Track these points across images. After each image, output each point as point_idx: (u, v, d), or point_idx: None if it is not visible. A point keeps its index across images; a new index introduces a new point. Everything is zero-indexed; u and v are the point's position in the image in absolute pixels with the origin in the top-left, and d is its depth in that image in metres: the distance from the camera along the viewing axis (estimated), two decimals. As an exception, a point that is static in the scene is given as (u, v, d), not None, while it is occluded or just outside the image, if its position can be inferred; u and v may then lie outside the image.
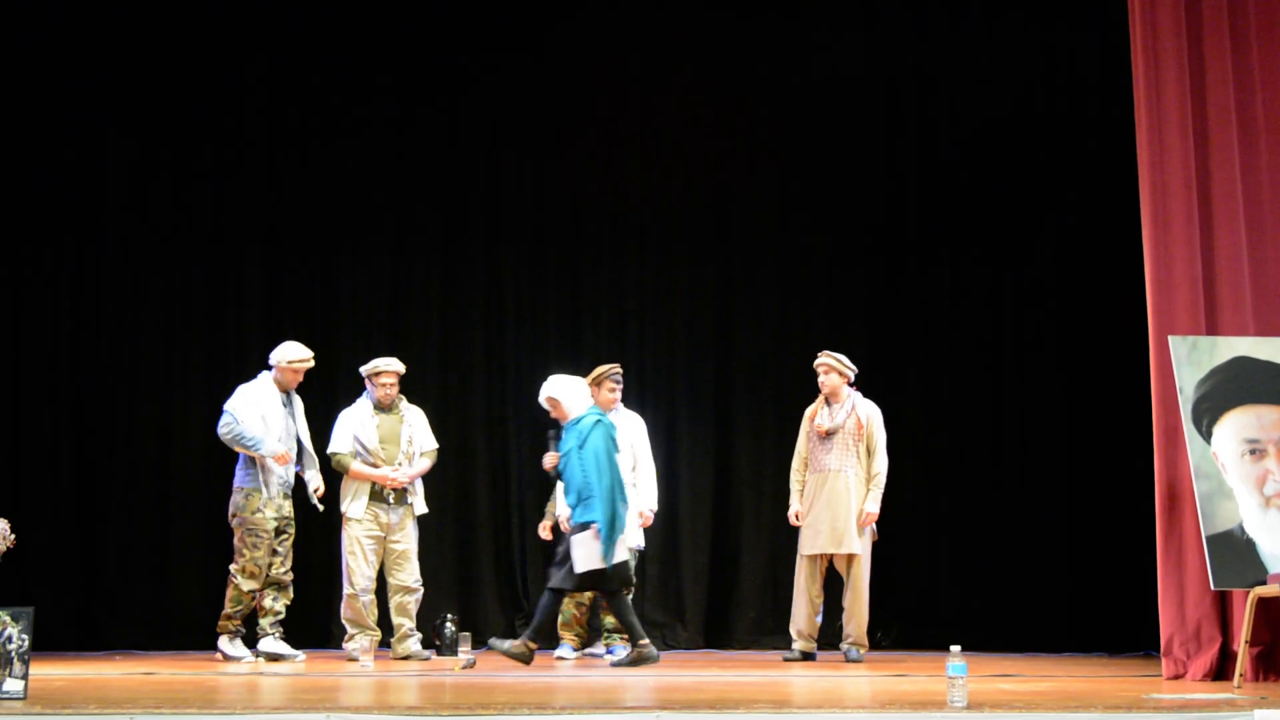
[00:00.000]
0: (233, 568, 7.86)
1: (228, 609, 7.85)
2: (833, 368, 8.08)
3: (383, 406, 8.14)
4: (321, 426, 9.13)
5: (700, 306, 9.82)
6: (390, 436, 8.09)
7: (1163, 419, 6.68)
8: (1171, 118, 6.85)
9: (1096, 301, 9.22)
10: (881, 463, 8.02)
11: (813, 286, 9.77)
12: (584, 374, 8.08)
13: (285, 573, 7.97)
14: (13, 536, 5.59)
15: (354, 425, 8.09)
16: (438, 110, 9.83)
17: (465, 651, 7.46)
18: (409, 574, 8.03)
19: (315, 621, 9.00)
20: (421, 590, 8.12)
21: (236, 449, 7.88)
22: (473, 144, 9.84)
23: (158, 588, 9.01)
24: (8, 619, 5.19)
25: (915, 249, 9.74)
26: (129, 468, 9.06)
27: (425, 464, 8.19)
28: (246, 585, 7.81)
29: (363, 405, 8.19)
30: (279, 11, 9.61)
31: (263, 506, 7.83)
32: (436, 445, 8.31)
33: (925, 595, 9.38)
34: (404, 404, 8.25)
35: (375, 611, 8.04)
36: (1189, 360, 6.45)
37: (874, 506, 7.95)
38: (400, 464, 8.04)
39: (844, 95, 9.78)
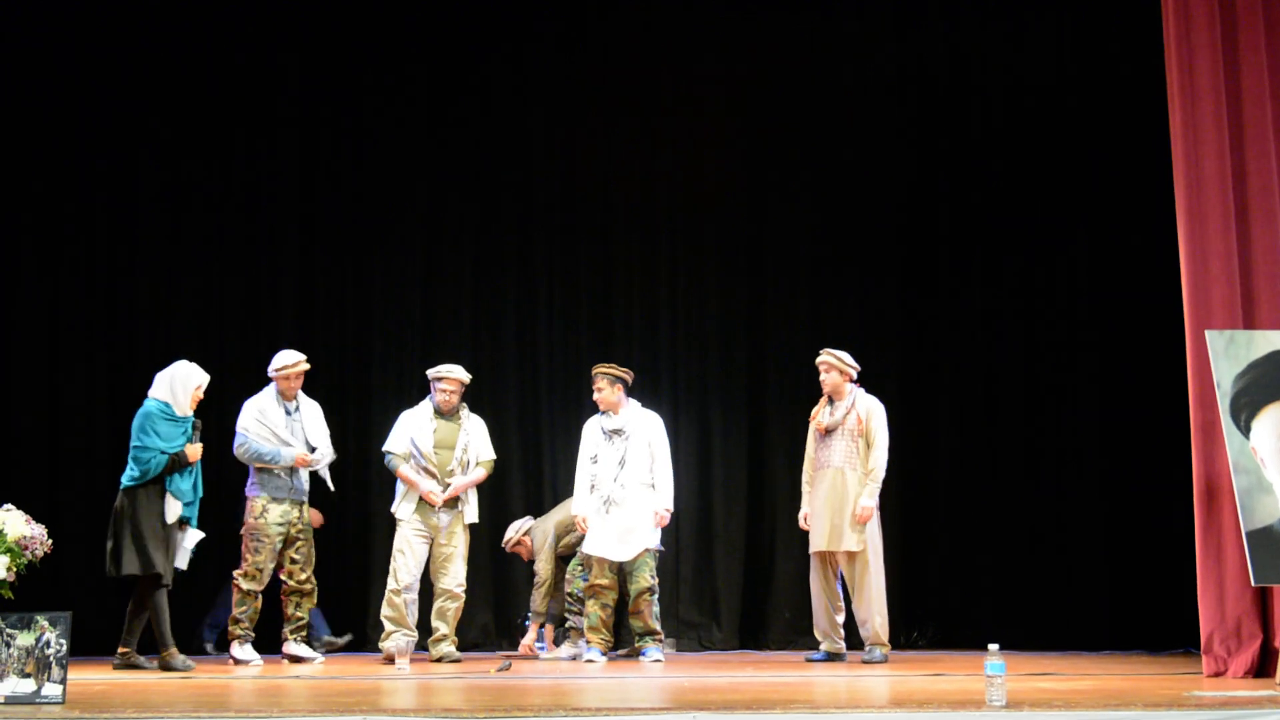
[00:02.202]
0: (236, 572, 7.96)
1: (234, 613, 7.91)
2: (833, 365, 8.01)
3: (443, 412, 8.14)
4: (357, 423, 9.21)
5: (733, 306, 9.80)
6: (446, 442, 8.09)
7: (1200, 414, 6.61)
8: (1206, 111, 6.78)
9: (1131, 298, 9.15)
10: (879, 458, 7.85)
11: (846, 285, 9.74)
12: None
13: (306, 580, 8.02)
14: (50, 541, 5.61)
15: (412, 427, 8.10)
16: (469, 106, 9.86)
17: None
18: (452, 579, 8.02)
19: (352, 624, 9.04)
20: (463, 597, 8.11)
21: (258, 465, 7.93)
22: (503, 141, 9.86)
23: (193, 592, 9.02)
24: (46, 624, 5.22)
25: (949, 247, 9.70)
26: (228, 465, 9.07)
27: (479, 473, 8.16)
28: (246, 585, 7.88)
29: (424, 408, 8.20)
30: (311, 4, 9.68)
31: (265, 512, 7.89)
32: (493, 456, 8.29)
33: (961, 594, 9.33)
34: (465, 412, 8.23)
35: (415, 614, 8.04)
36: (1226, 354, 6.38)
37: (868, 501, 7.78)
38: (453, 470, 8.04)
39: (877, 91, 9.79)
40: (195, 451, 7.47)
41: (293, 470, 8.00)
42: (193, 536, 7.48)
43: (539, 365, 9.74)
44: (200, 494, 7.53)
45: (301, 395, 8.20)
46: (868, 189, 9.76)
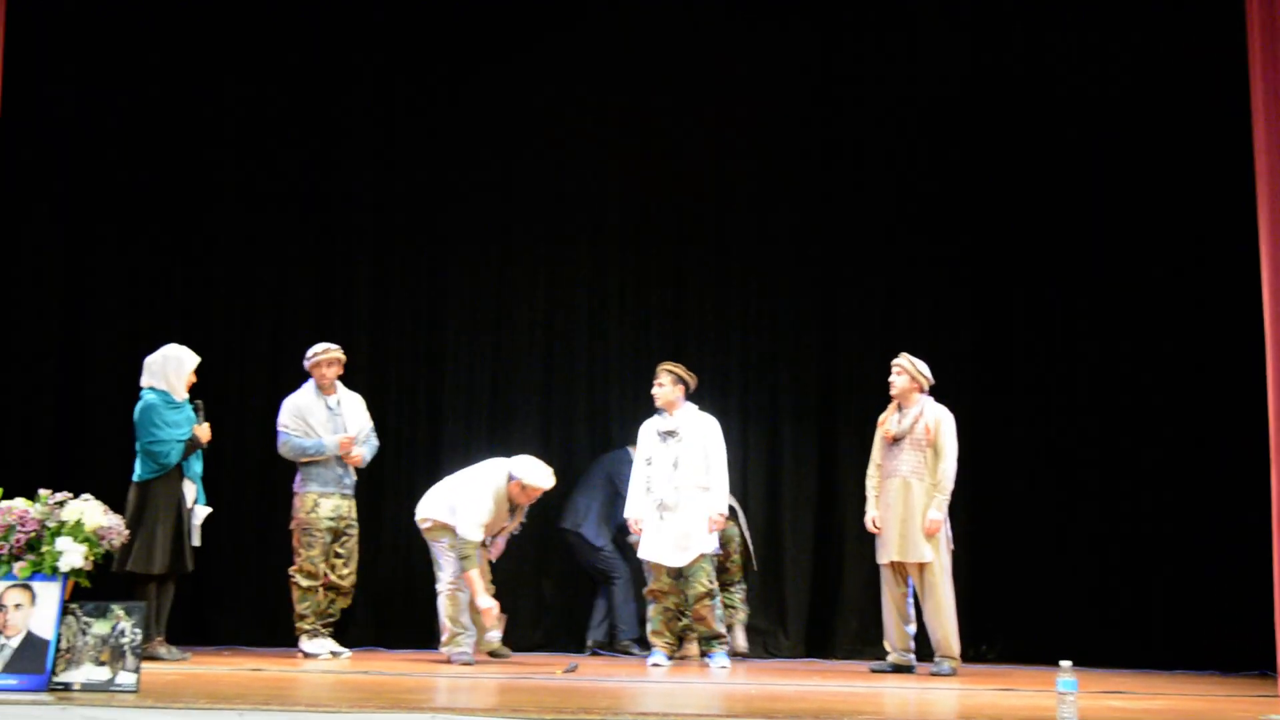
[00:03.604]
0: (291, 569, 8.02)
1: (298, 609, 7.98)
2: (905, 369, 7.91)
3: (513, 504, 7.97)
4: (429, 419, 9.22)
5: (804, 311, 9.77)
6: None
7: (1280, 431, 6.50)
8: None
9: (1208, 311, 9.03)
10: (947, 469, 7.74)
11: (919, 292, 9.69)
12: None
13: (347, 575, 8.09)
14: (127, 532, 5.69)
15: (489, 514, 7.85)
16: (543, 110, 9.89)
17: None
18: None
19: (416, 622, 9.10)
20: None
21: (303, 460, 8.00)
22: (576, 150, 9.91)
23: (264, 584, 9.10)
24: (121, 613, 5.29)
25: (1023, 255, 9.61)
26: (236, 464, 9.17)
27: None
28: (305, 582, 7.96)
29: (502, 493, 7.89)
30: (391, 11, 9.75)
31: (316, 507, 7.95)
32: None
33: (1030, 608, 9.24)
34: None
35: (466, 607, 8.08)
36: (1309, 371, 6.27)
37: (936, 514, 7.67)
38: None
39: (950, 98, 9.72)
40: (205, 432, 7.60)
41: (340, 463, 8.04)
42: (200, 513, 7.59)
43: (609, 373, 9.76)
44: (201, 474, 7.65)
45: (342, 388, 8.26)
46: (942, 200, 9.70)
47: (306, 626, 7.96)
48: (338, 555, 8.05)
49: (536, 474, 7.80)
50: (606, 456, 9.25)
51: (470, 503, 7.72)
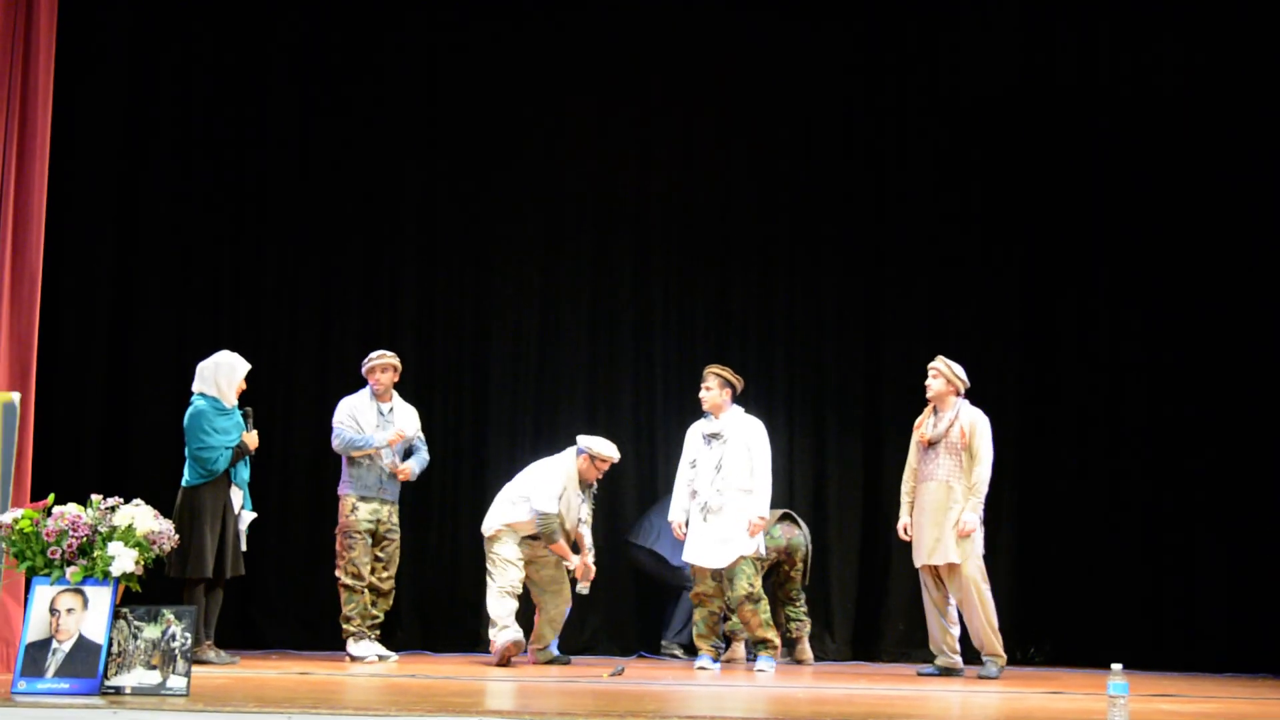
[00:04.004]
0: (337, 572, 8.08)
1: (344, 611, 8.04)
2: (941, 373, 7.84)
3: (583, 482, 8.21)
4: (474, 425, 9.26)
5: (849, 314, 9.75)
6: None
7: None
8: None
9: (1262, 314, 8.95)
10: (981, 473, 7.65)
11: (964, 294, 9.65)
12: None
13: (387, 579, 8.16)
14: (176, 537, 5.73)
15: (566, 499, 8.09)
16: (585, 121, 9.92)
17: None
18: (555, 579, 8.15)
19: (463, 626, 9.14)
20: (567, 595, 8.20)
21: (354, 454, 8.07)
22: (621, 151, 9.91)
23: (310, 588, 9.15)
24: (172, 617, 5.32)
25: (1072, 257, 9.57)
26: (284, 469, 9.22)
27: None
28: (350, 582, 8.02)
29: (571, 468, 8.13)
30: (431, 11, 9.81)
31: (355, 509, 8.03)
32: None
33: (1079, 611, 9.19)
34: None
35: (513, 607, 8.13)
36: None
37: (970, 517, 7.58)
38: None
39: (997, 99, 9.69)
40: (253, 439, 7.68)
41: (385, 471, 8.11)
42: (247, 518, 7.67)
43: (654, 378, 9.76)
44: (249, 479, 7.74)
45: (397, 398, 8.33)
46: (987, 202, 9.67)
47: (352, 629, 8.01)
48: (378, 559, 8.11)
49: (604, 446, 8.11)
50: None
51: (542, 481, 8.04)
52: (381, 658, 8.03)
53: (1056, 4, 9.71)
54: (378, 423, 8.16)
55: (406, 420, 8.30)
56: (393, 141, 9.80)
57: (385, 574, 8.14)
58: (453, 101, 9.87)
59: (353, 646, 7.99)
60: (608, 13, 9.85)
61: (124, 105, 9.37)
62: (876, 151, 9.85)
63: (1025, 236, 9.67)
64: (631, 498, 9.56)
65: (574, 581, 8.17)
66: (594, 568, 8.18)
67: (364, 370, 8.26)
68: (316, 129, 9.76)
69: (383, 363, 8.22)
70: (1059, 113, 9.63)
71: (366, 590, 8.05)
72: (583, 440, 8.16)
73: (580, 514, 8.16)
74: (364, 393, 8.25)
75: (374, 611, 8.13)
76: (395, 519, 8.20)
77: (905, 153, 9.81)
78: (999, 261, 9.66)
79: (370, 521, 8.06)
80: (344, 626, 8.04)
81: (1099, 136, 9.57)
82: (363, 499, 8.07)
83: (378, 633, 8.17)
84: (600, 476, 8.23)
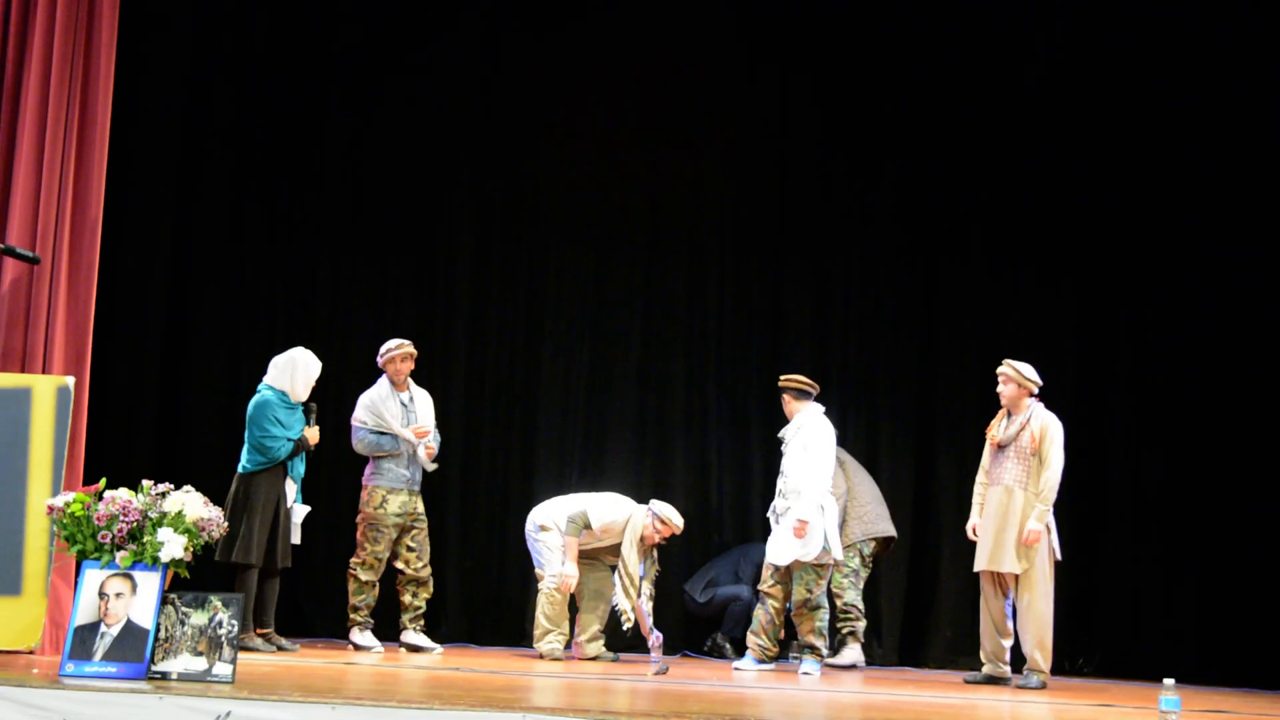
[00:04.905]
0: (353, 561, 8.08)
1: (352, 601, 8.05)
2: (1011, 378, 7.75)
3: (645, 541, 8.16)
4: (523, 421, 9.25)
5: (903, 317, 9.69)
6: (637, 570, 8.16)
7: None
8: None
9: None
10: (1050, 478, 7.55)
11: (1020, 296, 9.57)
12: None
13: (422, 568, 8.14)
14: (225, 524, 5.75)
15: (624, 527, 8.09)
16: (639, 122, 9.90)
17: (657, 655, 7.42)
18: (603, 578, 8.14)
19: (508, 619, 9.14)
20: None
21: (377, 455, 8.08)
22: (674, 155, 9.89)
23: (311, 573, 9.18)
24: (219, 604, 5.34)
25: (1127, 260, 9.48)
26: (334, 463, 9.23)
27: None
28: (365, 576, 8.01)
29: (638, 520, 8.12)
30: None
31: (384, 503, 8.01)
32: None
33: (1131, 621, 9.10)
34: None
35: (565, 610, 8.13)
36: None
37: (1035, 524, 7.49)
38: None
39: (1046, 98, 9.61)
40: (314, 435, 7.76)
41: (410, 461, 8.11)
42: (300, 512, 7.75)
43: (706, 380, 9.73)
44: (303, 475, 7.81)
45: (414, 385, 8.32)
46: (1042, 202, 9.59)
47: (359, 619, 8.04)
48: (410, 549, 8.10)
49: (670, 512, 8.12)
50: (748, 547, 9.22)
51: (609, 504, 8.16)
52: (423, 649, 8.04)
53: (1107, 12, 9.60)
54: (400, 413, 8.15)
55: (425, 407, 8.31)
56: (448, 136, 9.81)
57: (420, 563, 8.13)
58: (505, 111, 9.86)
59: (357, 635, 8.02)
60: (653, 23, 9.87)
61: (184, 90, 9.43)
62: (928, 148, 9.76)
63: (1079, 244, 9.57)
64: (681, 496, 9.50)
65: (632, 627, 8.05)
66: (658, 635, 7.83)
67: (381, 361, 8.21)
68: (371, 116, 9.79)
69: (402, 352, 8.19)
70: (1118, 123, 9.53)
71: (378, 584, 8.06)
72: (654, 503, 8.16)
73: (636, 569, 8.04)
74: (382, 385, 8.23)
75: (417, 603, 8.13)
76: (421, 508, 8.21)
77: (956, 150, 9.72)
78: (1056, 268, 9.57)
79: (400, 515, 8.06)
80: (351, 615, 8.06)
81: (1156, 152, 9.47)
82: (392, 491, 8.07)
83: (422, 624, 8.17)
84: (659, 541, 8.13)
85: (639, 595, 7.99)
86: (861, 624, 8.60)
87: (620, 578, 8.01)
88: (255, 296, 9.56)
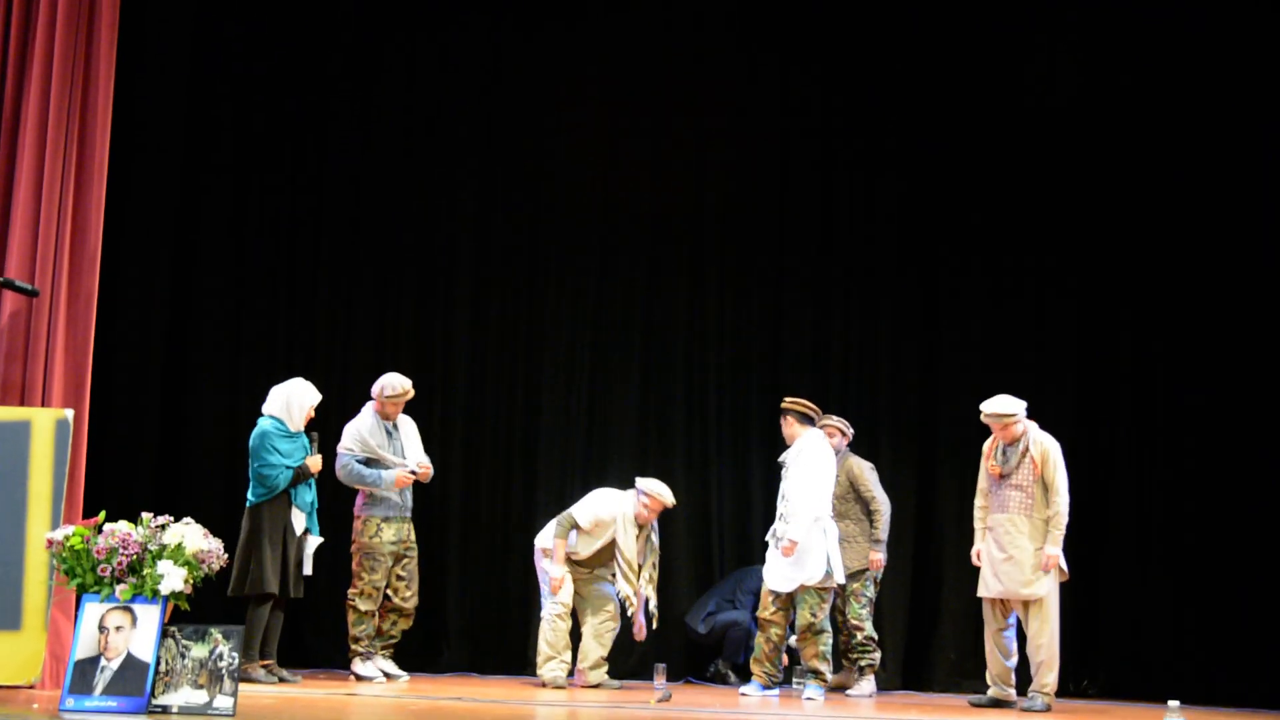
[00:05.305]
0: (351, 592, 8.05)
1: (353, 632, 8.01)
2: (995, 419, 7.71)
3: (638, 523, 8.14)
4: (524, 449, 9.24)
5: (904, 335, 9.69)
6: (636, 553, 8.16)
7: None
8: None
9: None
10: (1060, 502, 7.58)
11: (1022, 316, 9.56)
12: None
13: (410, 597, 8.13)
14: (225, 556, 5.74)
15: (615, 517, 8.09)
16: (638, 147, 9.91)
17: (661, 682, 7.39)
18: (608, 604, 8.12)
19: (510, 647, 9.11)
20: (619, 623, 8.18)
21: (361, 488, 8.06)
22: (674, 176, 9.89)
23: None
24: (220, 637, 5.33)
25: (1129, 277, 9.49)
26: (333, 493, 9.19)
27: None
28: (364, 606, 7.98)
29: (627, 504, 8.13)
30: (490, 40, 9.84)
31: (379, 531, 8.00)
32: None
33: (1134, 642, 9.06)
34: (653, 528, 8.27)
35: (567, 637, 8.11)
36: None
37: (1054, 549, 7.52)
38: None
39: (1052, 119, 9.62)
40: (316, 463, 7.73)
41: (402, 489, 8.10)
42: (313, 543, 7.73)
43: (708, 404, 9.71)
44: (316, 504, 7.78)
45: (400, 415, 8.32)
46: (1043, 219, 9.61)
47: (361, 649, 8.01)
48: (399, 578, 8.10)
49: (657, 487, 8.09)
50: (743, 572, 9.20)
51: (593, 500, 8.15)
52: (392, 676, 8.03)
53: (1109, 20, 9.61)
54: (387, 442, 8.14)
55: (411, 436, 8.30)
56: (445, 155, 9.82)
57: (408, 592, 8.12)
58: (507, 130, 9.87)
59: (359, 666, 7.99)
60: (661, 29, 9.89)
61: (183, 120, 9.42)
62: (922, 167, 9.78)
63: (1081, 263, 9.57)
64: (683, 522, 9.49)
65: (624, 613, 8.14)
66: (644, 626, 8.11)
67: (381, 398, 8.17)
68: (369, 140, 9.79)
69: (407, 398, 8.20)
70: (1120, 143, 9.53)
71: (378, 614, 8.04)
72: (640, 481, 8.17)
73: (635, 555, 8.06)
74: (369, 413, 8.22)
75: (394, 632, 8.13)
76: (413, 536, 8.20)
77: (954, 167, 9.73)
78: (1056, 289, 9.56)
79: (395, 543, 8.05)
80: (352, 646, 8.04)
81: (1158, 173, 9.47)
82: (386, 520, 8.06)
83: (392, 652, 8.16)
84: (652, 519, 8.14)
85: (640, 580, 8.03)
86: (878, 655, 8.54)
87: (620, 565, 8.01)
88: (255, 326, 9.53)
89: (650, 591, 8.13)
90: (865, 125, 9.87)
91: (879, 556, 8.45)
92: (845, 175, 9.89)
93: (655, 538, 8.27)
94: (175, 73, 9.38)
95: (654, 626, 8.26)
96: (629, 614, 8.06)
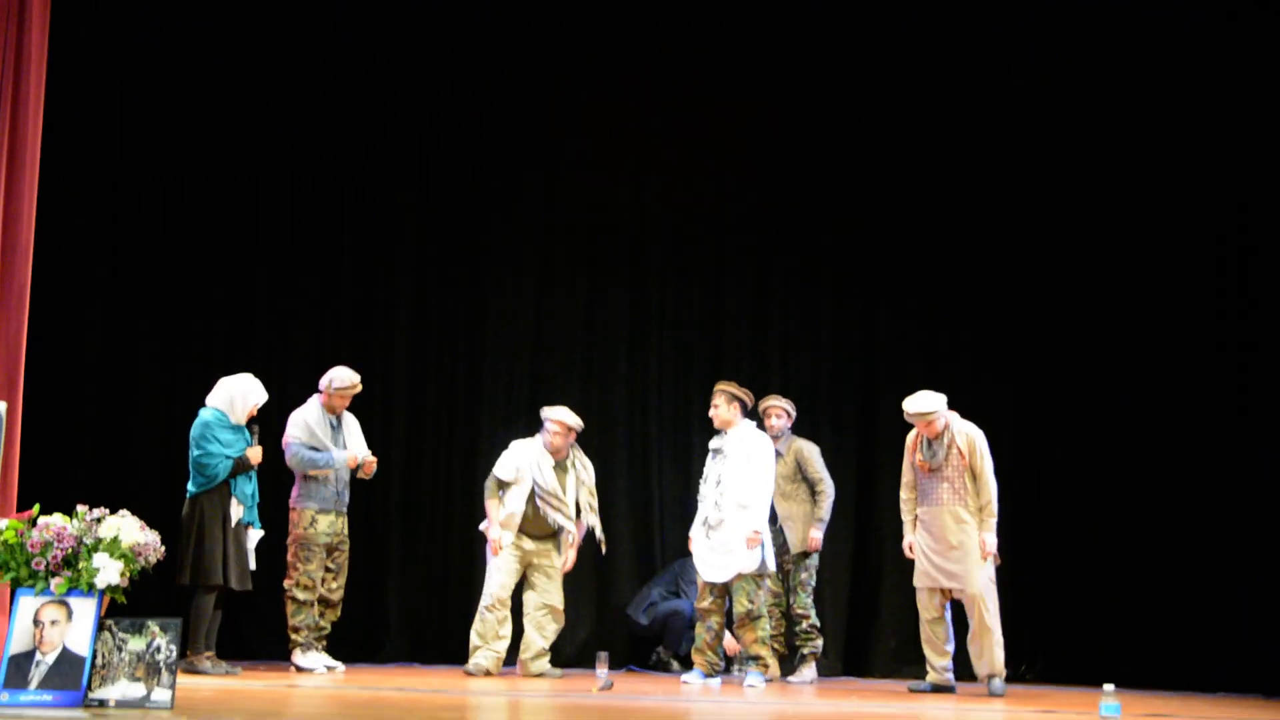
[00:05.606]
0: (286, 583, 8.05)
1: (292, 622, 8.01)
2: (918, 416, 7.71)
3: (552, 454, 8.22)
4: (467, 437, 9.23)
5: (845, 325, 9.76)
6: (560, 484, 8.23)
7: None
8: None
9: (1253, 333, 8.95)
10: (989, 491, 7.66)
11: (960, 304, 9.66)
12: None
13: (336, 589, 8.14)
14: (163, 549, 5.68)
15: (528, 460, 8.18)
16: (582, 128, 9.92)
17: (603, 671, 7.40)
18: (550, 595, 8.12)
19: (451, 637, 9.10)
20: (561, 614, 8.19)
21: (312, 473, 8.04)
22: (615, 164, 9.92)
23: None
24: (156, 629, 5.28)
25: (1064, 272, 9.58)
26: (274, 485, 9.15)
27: (586, 526, 8.30)
28: (302, 596, 7.99)
29: (538, 443, 8.27)
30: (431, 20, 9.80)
31: (314, 523, 8.01)
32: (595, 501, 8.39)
33: (1071, 628, 9.16)
34: (577, 456, 8.32)
35: (509, 631, 8.11)
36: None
37: (990, 537, 7.61)
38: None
39: (997, 126, 9.73)
40: (256, 454, 7.70)
41: (338, 482, 8.12)
42: (254, 536, 7.70)
43: (649, 390, 9.77)
44: (257, 497, 7.74)
45: (345, 413, 8.32)
46: (985, 210, 9.70)
47: (300, 640, 8.00)
48: (328, 570, 8.11)
49: (559, 411, 8.24)
50: (683, 562, 9.21)
51: (509, 451, 8.24)
52: (329, 668, 8.01)
53: (1048, 21, 9.70)
54: (332, 435, 8.15)
55: (354, 430, 8.32)
56: (387, 141, 9.81)
57: (335, 585, 8.14)
58: (449, 98, 9.88)
59: (299, 658, 7.98)
60: (598, 39, 9.95)
61: (119, 112, 9.31)
62: (872, 159, 9.85)
63: (1018, 251, 9.68)
64: (625, 511, 9.52)
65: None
66: (572, 557, 8.27)
67: (330, 391, 8.16)
68: (310, 127, 9.75)
69: (354, 392, 8.20)
70: (1058, 140, 9.64)
71: (316, 602, 8.03)
72: (543, 412, 8.29)
73: (554, 486, 8.14)
74: (313, 407, 8.21)
75: (322, 623, 8.11)
76: (346, 530, 8.21)
77: (900, 171, 9.81)
78: (992, 275, 9.67)
79: (329, 535, 8.06)
80: (291, 637, 8.03)
81: (1096, 169, 9.57)
82: (321, 512, 8.07)
83: (324, 644, 8.14)
84: (564, 445, 8.19)
85: (577, 509, 8.18)
86: (820, 642, 8.59)
87: (545, 500, 8.09)
88: (193, 318, 9.46)
89: (594, 519, 8.22)
90: (805, 109, 9.94)
91: (818, 536, 8.51)
92: (784, 159, 9.93)
93: (585, 469, 8.31)
94: (111, 64, 9.26)
95: (604, 552, 8.37)
96: (569, 541, 8.18)
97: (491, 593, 8.06)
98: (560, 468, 8.23)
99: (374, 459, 8.23)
